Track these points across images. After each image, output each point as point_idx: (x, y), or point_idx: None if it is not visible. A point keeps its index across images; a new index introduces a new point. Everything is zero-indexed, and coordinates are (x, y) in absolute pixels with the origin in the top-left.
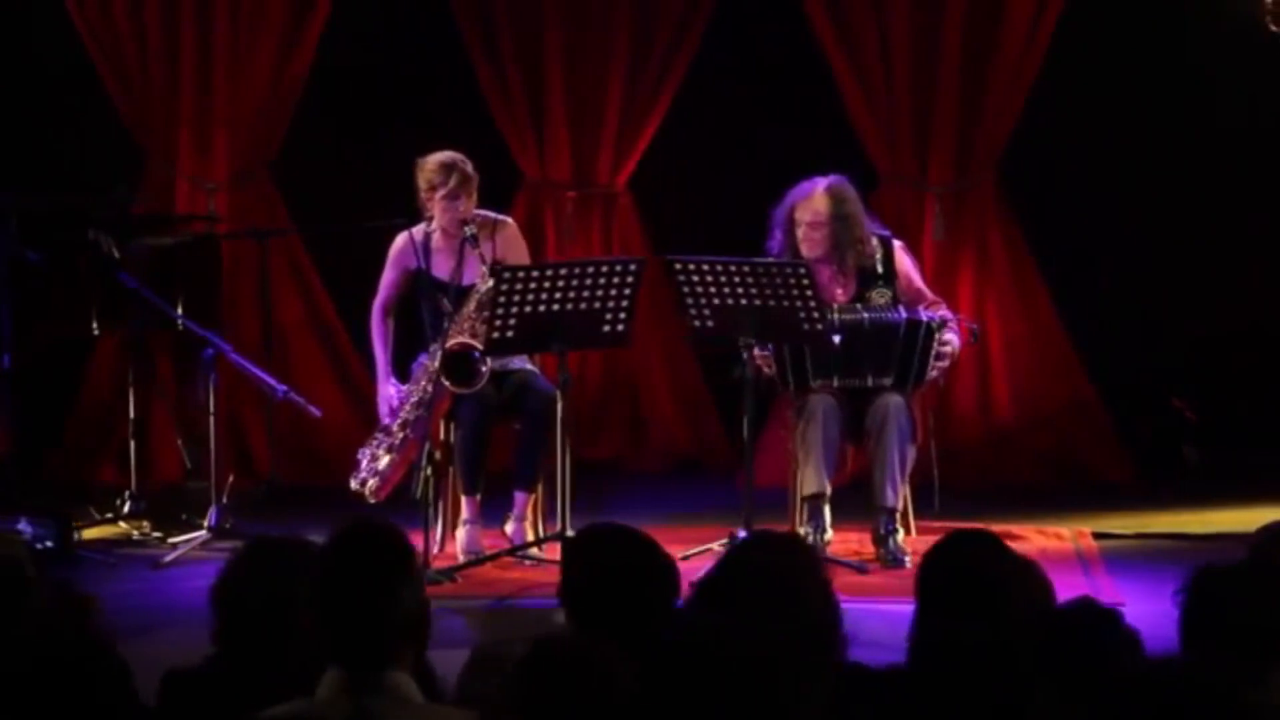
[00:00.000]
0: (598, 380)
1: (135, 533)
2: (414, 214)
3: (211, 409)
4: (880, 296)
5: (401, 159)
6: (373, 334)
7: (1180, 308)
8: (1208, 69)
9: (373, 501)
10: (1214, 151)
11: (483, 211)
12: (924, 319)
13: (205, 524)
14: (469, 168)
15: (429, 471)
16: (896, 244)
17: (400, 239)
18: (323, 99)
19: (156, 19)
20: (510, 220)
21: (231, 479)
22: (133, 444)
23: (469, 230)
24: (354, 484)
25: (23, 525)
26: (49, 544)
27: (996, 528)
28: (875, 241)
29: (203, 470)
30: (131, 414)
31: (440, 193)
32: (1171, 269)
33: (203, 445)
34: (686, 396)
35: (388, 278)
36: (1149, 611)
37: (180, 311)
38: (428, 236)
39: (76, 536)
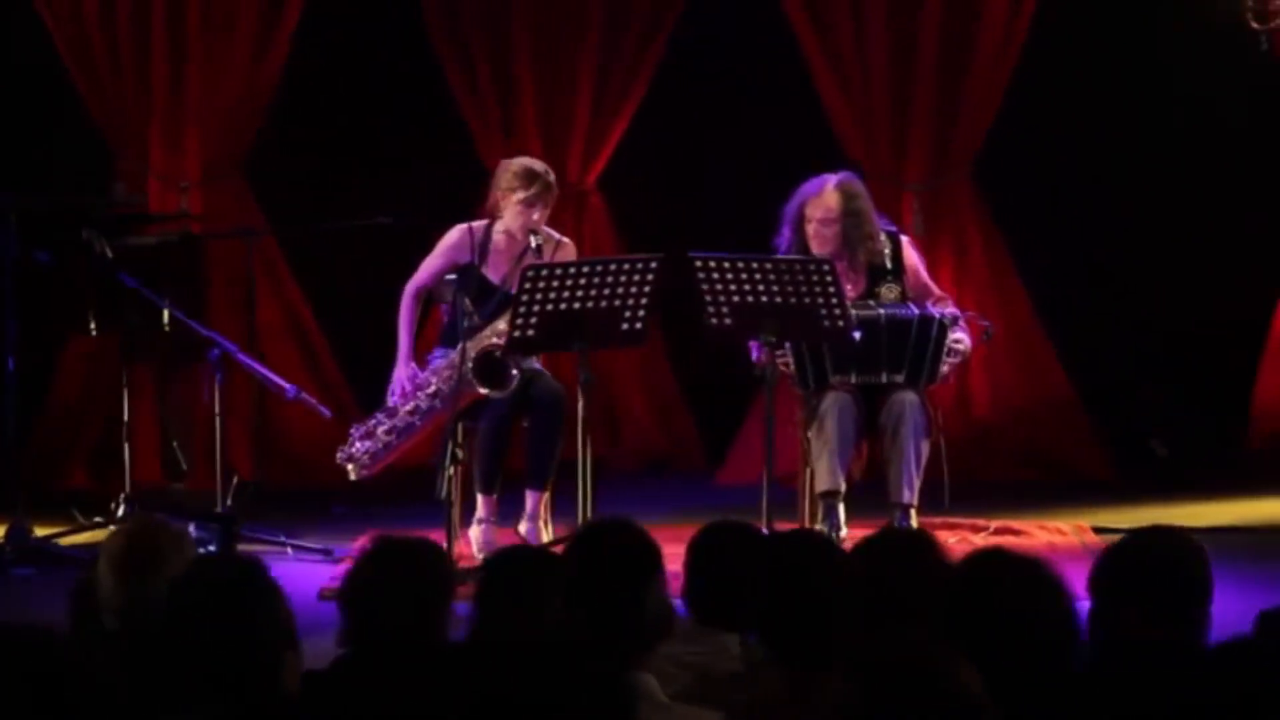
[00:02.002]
0: (572, 380)
1: None
2: (470, 210)
3: (218, 410)
4: (890, 292)
5: (371, 157)
6: (400, 315)
7: (1151, 303)
8: (1185, 65)
9: (353, 479)
10: (1191, 148)
11: (546, 228)
12: (937, 315)
13: None
14: (552, 178)
15: (452, 471)
16: (904, 239)
17: (458, 232)
18: (294, 98)
19: (127, 18)
20: (570, 242)
21: (236, 480)
22: (126, 446)
23: (536, 240)
24: (339, 457)
25: (189, 528)
26: (211, 548)
27: (996, 523)
28: (883, 237)
29: (189, 472)
30: (125, 416)
31: (520, 195)
32: (1144, 265)
33: (191, 447)
34: (659, 396)
35: (433, 264)
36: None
37: (166, 313)
38: (487, 235)
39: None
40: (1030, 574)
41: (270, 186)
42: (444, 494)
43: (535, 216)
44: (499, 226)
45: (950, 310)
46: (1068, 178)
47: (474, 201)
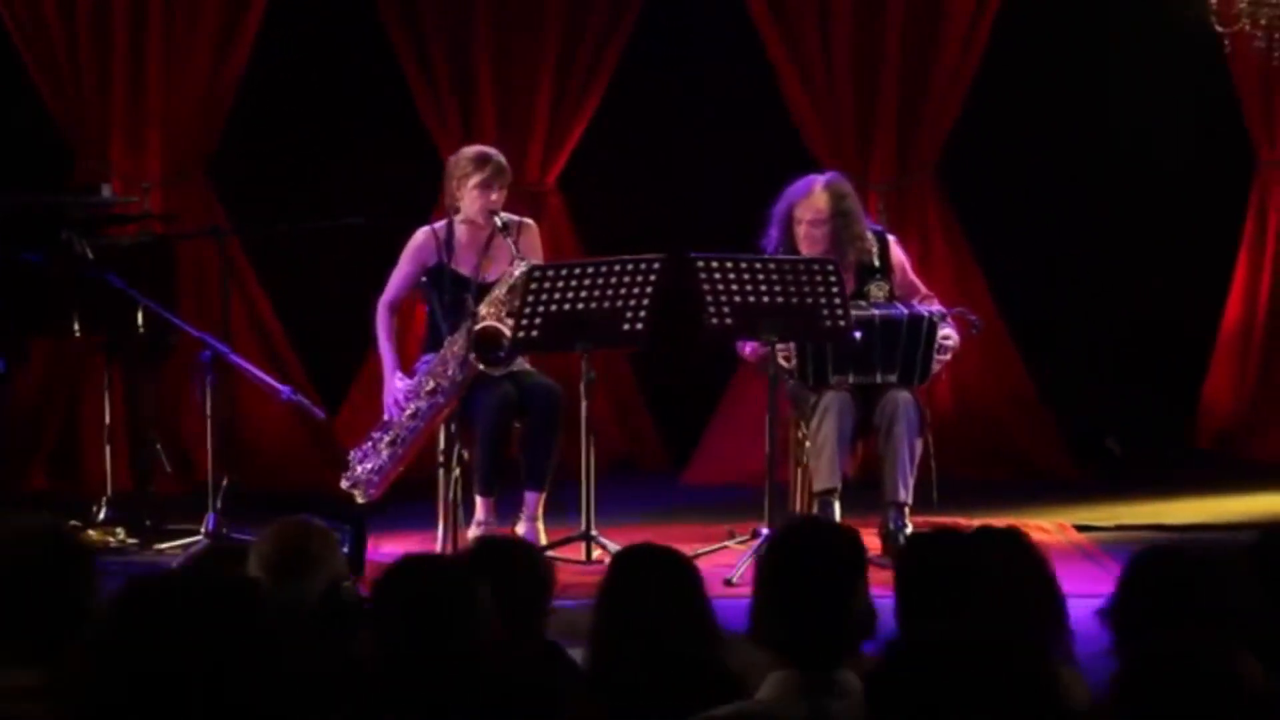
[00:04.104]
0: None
1: (111, 540)
2: (429, 210)
3: (209, 412)
4: (879, 290)
5: (332, 158)
6: (378, 330)
7: (1108, 302)
8: (1146, 67)
9: (362, 501)
10: (1149, 150)
11: (506, 213)
12: (925, 313)
13: (202, 529)
14: (504, 161)
15: (458, 472)
16: (890, 238)
17: (420, 235)
18: (254, 98)
19: (88, 19)
20: (533, 223)
21: (225, 482)
22: (108, 449)
23: (500, 219)
24: (344, 484)
25: None
26: (343, 550)
27: (977, 522)
28: (870, 236)
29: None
30: (107, 419)
31: (474, 179)
32: (1101, 264)
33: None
34: (619, 397)
35: (402, 272)
36: None
37: (140, 313)
38: (450, 231)
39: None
40: (1213, 569)
41: (228, 187)
42: (451, 495)
43: (493, 197)
44: (459, 219)
45: (937, 307)
46: (1030, 177)
47: (432, 202)
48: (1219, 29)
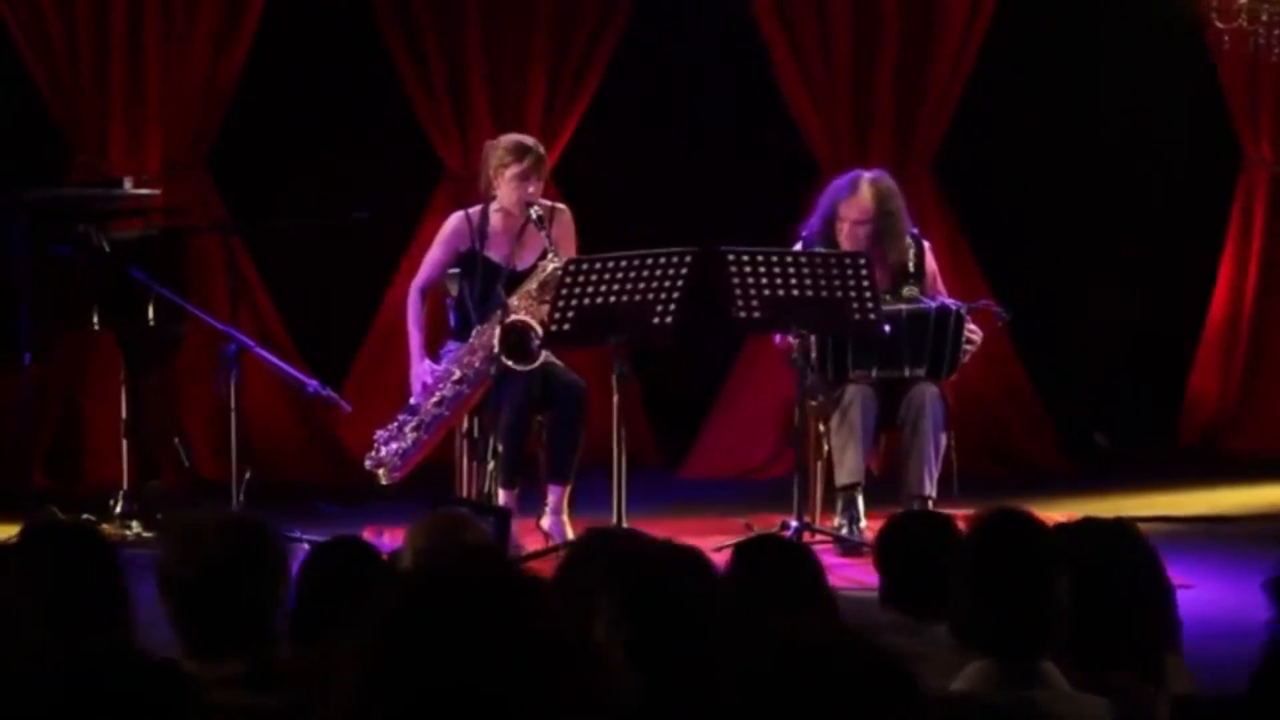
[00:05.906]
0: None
1: (127, 534)
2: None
3: (232, 405)
4: (910, 291)
5: (323, 153)
6: (408, 313)
7: (1096, 297)
8: (1139, 65)
9: (385, 483)
10: (1140, 147)
11: (540, 200)
12: (952, 306)
13: None
14: (542, 150)
15: (492, 465)
16: (926, 244)
17: (455, 220)
18: (252, 95)
19: (86, 12)
20: (566, 208)
21: (248, 475)
22: (124, 444)
23: (535, 211)
24: (368, 464)
25: None
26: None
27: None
28: (909, 239)
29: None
30: (123, 414)
31: (512, 170)
32: (1093, 261)
33: (164, 444)
34: (611, 392)
35: (434, 257)
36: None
37: (151, 306)
38: (484, 218)
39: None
40: None
41: (224, 180)
42: (487, 488)
43: (531, 189)
44: (494, 206)
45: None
46: (1023, 174)
47: (426, 196)
48: (1219, 25)
